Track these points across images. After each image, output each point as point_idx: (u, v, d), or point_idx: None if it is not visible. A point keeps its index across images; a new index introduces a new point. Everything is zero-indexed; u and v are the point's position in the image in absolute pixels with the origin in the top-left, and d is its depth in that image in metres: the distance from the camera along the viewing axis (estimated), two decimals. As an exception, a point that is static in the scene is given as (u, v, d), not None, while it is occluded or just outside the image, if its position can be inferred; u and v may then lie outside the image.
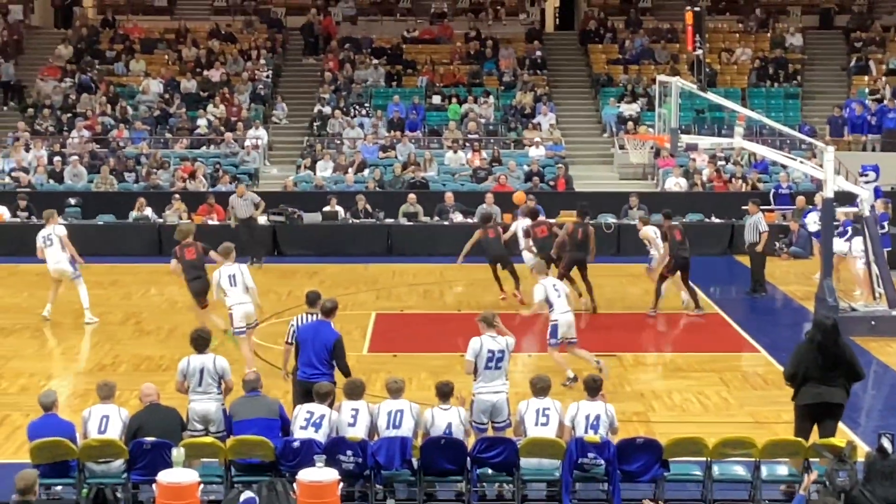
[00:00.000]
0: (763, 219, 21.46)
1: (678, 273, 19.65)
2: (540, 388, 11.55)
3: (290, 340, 12.85)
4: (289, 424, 11.32)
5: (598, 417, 11.22)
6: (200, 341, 12.05)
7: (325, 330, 12.50)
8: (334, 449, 10.82)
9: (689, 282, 19.83)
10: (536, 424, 11.33)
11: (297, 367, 12.49)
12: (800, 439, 11.26)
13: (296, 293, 21.12)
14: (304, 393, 11.94)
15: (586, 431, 11.13)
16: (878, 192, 20.53)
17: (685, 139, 20.80)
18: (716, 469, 11.13)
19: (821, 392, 11.49)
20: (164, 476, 9.78)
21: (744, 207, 22.80)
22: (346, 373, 12.25)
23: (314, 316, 12.85)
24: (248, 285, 15.70)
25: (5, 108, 34.56)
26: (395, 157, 30.91)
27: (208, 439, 11.10)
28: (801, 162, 21.53)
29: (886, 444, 10.32)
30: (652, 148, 27.95)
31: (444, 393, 11.47)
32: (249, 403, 11.42)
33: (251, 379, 11.66)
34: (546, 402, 11.46)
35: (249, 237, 23.88)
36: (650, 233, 20.30)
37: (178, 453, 10.05)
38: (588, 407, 11.31)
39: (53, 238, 18.94)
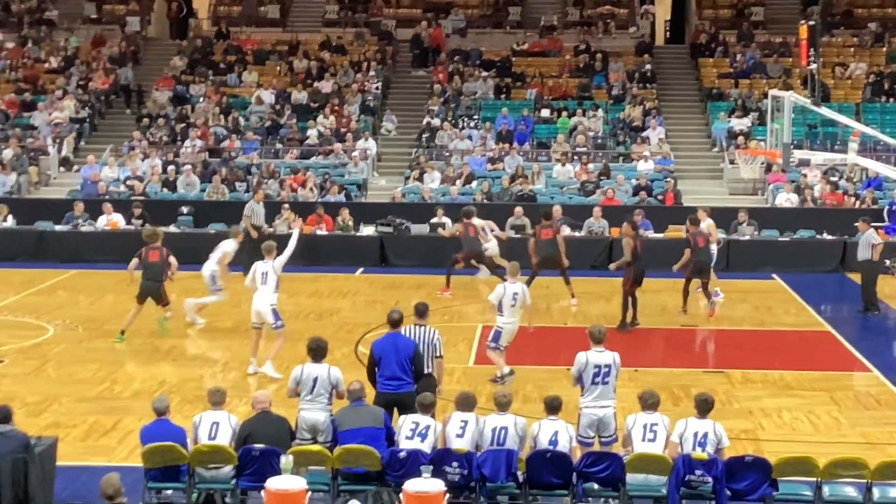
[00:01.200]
0: (875, 234, 21.07)
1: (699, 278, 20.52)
2: (649, 403, 11.45)
3: None
4: (393, 434, 11.37)
5: (706, 435, 11.06)
6: (318, 351, 12.11)
7: (401, 341, 12.54)
8: (440, 460, 10.83)
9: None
10: (643, 440, 11.22)
11: (378, 381, 12.45)
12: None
13: (402, 303, 21.24)
14: (388, 404, 11.96)
15: (694, 449, 11.00)
16: None
17: (797, 154, 20.61)
18: (826, 490, 10.90)
19: None
20: (273, 483, 9.90)
21: (855, 224, 22.39)
22: (422, 376, 12.53)
23: (423, 328, 12.91)
24: (278, 284, 16.44)
25: (127, 111, 35.39)
26: (503, 170, 30.93)
27: (316, 447, 11.19)
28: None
29: None
30: (763, 163, 27.62)
31: (553, 407, 11.43)
32: (355, 413, 11.49)
33: (356, 388, 11.71)
34: (654, 417, 11.35)
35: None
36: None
37: (286, 461, 10.17)
38: (697, 424, 11.17)
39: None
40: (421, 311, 13.14)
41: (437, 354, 12.86)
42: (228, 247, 19.78)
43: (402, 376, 12.32)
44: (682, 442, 11.10)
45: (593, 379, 12.02)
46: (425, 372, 12.63)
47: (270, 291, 16.49)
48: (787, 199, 28.42)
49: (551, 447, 11.10)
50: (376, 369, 12.42)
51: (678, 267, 20.81)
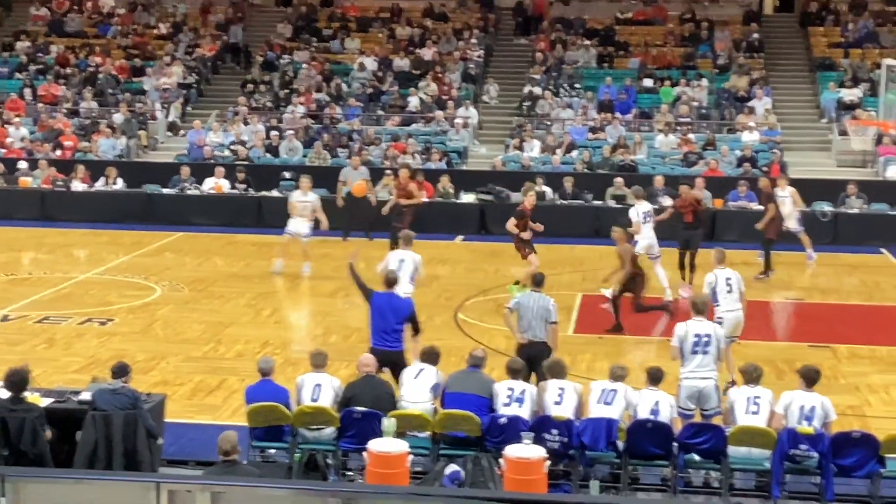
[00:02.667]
0: None
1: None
2: (753, 377, 11.31)
3: (511, 307, 13.27)
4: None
5: (812, 409, 10.89)
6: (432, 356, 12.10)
7: (395, 301, 13.05)
8: (540, 427, 10.84)
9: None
10: (747, 412, 11.09)
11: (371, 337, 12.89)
12: None
13: (502, 271, 21.26)
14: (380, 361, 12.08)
15: (799, 422, 10.84)
16: None
17: (911, 125, 20.05)
18: (937, 467, 10.70)
19: None
20: (374, 444, 9.99)
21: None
22: (419, 330, 13.17)
23: (538, 295, 13.20)
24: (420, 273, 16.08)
25: (237, 67, 35.95)
26: (605, 140, 30.69)
27: (416, 411, 11.26)
28: None
29: None
30: (875, 135, 27.02)
31: (655, 378, 11.36)
32: (467, 377, 11.56)
33: (478, 356, 11.81)
34: (757, 390, 11.22)
35: (358, 212, 24.34)
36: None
37: (388, 423, 10.26)
38: (803, 397, 10.99)
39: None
40: (538, 281, 13.52)
41: (552, 320, 13.10)
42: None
43: (392, 334, 12.74)
44: (788, 415, 10.94)
45: (693, 348, 11.93)
46: (540, 339, 12.86)
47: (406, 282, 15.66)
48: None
49: (652, 416, 11.04)
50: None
51: (762, 225, 20.78)
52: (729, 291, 14.28)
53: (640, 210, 19.13)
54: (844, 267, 22.04)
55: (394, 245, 19.17)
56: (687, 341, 11.99)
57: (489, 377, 11.72)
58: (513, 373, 11.50)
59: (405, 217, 21.44)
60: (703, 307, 12.29)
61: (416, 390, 11.53)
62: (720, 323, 13.50)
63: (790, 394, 11.08)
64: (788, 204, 21.71)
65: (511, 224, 18.86)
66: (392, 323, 12.80)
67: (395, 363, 12.34)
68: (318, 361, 11.69)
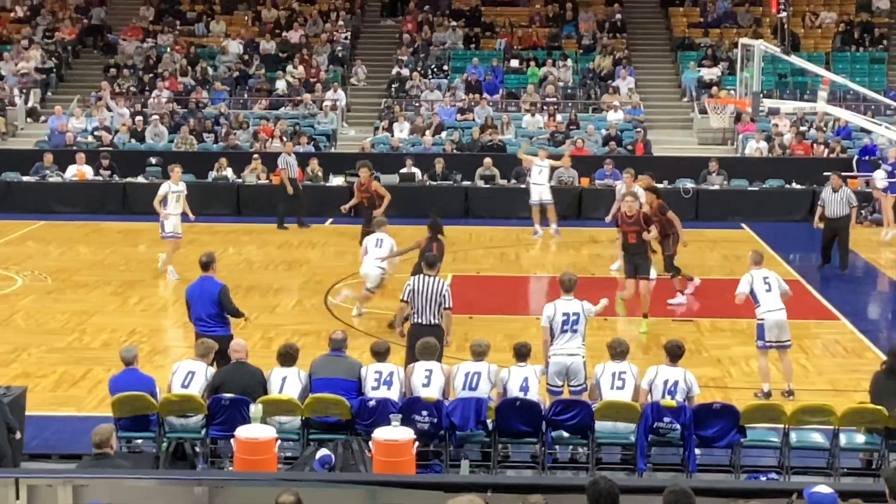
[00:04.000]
0: (852, 193, 20.67)
1: None
2: (618, 351, 11.51)
3: (405, 298, 12.90)
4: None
5: (675, 383, 11.13)
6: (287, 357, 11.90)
7: (207, 284, 12.93)
8: (409, 409, 10.88)
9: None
10: (612, 388, 11.29)
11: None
12: (880, 407, 11.02)
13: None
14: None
15: (663, 396, 11.06)
16: None
17: (767, 103, 20.60)
18: (793, 436, 11.02)
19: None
20: (242, 431, 9.90)
21: (826, 174, 22.35)
22: (237, 314, 13.01)
23: (431, 278, 12.89)
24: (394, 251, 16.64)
25: (97, 51, 35.25)
26: (473, 120, 30.85)
27: (285, 396, 11.19)
28: (887, 128, 21.06)
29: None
30: (733, 112, 27.62)
31: (522, 353, 11.48)
32: (332, 362, 11.51)
33: (338, 338, 11.74)
34: (623, 365, 11.41)
35: (297, 197, 24.51)
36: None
37: (255, 409, 10.17)
38: (667, 372, 11.23)
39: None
40: (430, 262, 13.32)
41: (447, 305, 12.88)
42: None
43: (208, 319, 12.74)
44: (652, 389, 11.17)
45: (562, 327, 12.07)
46: (433, 324, 12.67)
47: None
48: (756, 147, 28.49)
49: (522, 393, 11.16)
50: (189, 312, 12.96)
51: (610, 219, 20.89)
52: (768, 290, 13.70)
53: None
54: (706, 242, 22.54)
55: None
56: (556, 320, 12.12)
57: (355, 360, 11.70)
58: (378, 356, 11.49)
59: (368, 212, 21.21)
60: (571, 285, 12.41)
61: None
62: (762, 323, 13.52)
63: (654, 368, 11.32)
64: (545, 174, 22.70)
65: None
66: (208, 308, 12.74)
67: (220, 350, 11.96)
68: (202, 351, 11.56)
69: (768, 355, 13.67)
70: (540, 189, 23.29)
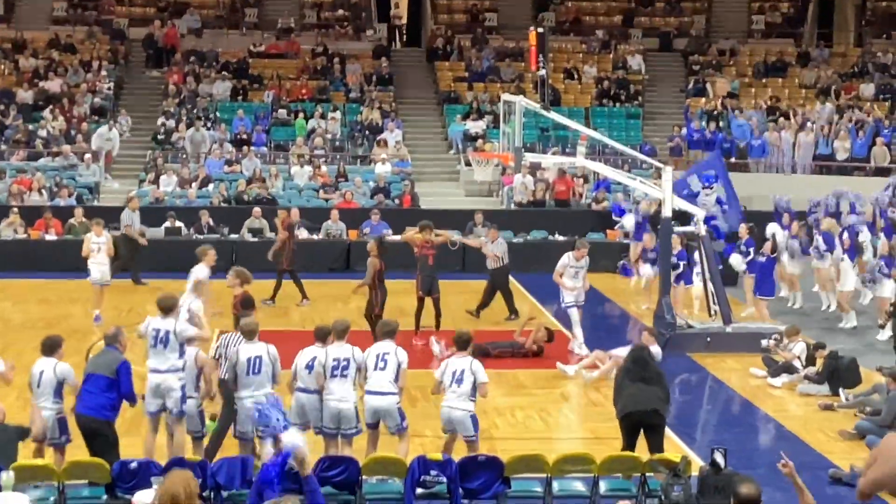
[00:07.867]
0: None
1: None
2: (385, 332, 12.16)
3: (216, 356, 12.59)
4: (129, 390, 11.34)
5: (462, 372, 11.78)
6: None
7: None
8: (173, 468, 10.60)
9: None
10: (375, 368, 11.85)
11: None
12: (636, 455, 11.46)
13: (137, 308, 20.73)
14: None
15: (450, 386, 11.76)
16: (718, 233, 20.56)
17: (529, 157, 21.09)
18: (556, 485, 11.26)
19: (633, 394, 11.81)
20: (-5, 502, 9.47)
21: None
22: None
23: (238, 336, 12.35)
24: None
25: None
26: (241, 172, 30.58)
27: (41, 462, 10.75)
28: (641, 181, 21.83)
29: (719, 458, 10.62)
30: (497, 165, 28.21)
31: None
32: (99, 358, 11.55)
33: (110, 334, 11.69)
34: (388, 346, 11.98)
35: (134, 253, 24.11)
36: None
37: (6, 477, 9.74)
38: (455, 363, 11.90)
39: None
40: (247, 323, 12.35)
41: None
42: (201, 273, 16.57)
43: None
44: (443, 380, 11.89)
45: (332, 372, 11.94)
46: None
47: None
48: (522, 182, 29.20)
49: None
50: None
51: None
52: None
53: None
54: (473, 294, 22.84)
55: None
56: (327, 366, 11.95)
57: (118, 355, 11.55)
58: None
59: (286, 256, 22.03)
60: (339, 333, 12.26)
61: None
62: None
63: (446, 361, 12.16)
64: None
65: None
66: None
67: None
68: None
69: None
70: None
